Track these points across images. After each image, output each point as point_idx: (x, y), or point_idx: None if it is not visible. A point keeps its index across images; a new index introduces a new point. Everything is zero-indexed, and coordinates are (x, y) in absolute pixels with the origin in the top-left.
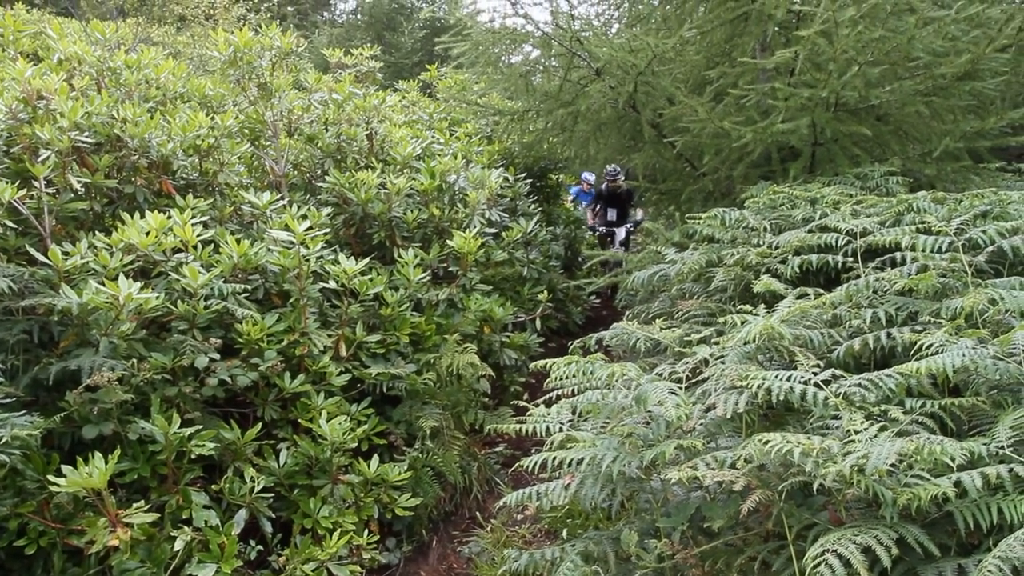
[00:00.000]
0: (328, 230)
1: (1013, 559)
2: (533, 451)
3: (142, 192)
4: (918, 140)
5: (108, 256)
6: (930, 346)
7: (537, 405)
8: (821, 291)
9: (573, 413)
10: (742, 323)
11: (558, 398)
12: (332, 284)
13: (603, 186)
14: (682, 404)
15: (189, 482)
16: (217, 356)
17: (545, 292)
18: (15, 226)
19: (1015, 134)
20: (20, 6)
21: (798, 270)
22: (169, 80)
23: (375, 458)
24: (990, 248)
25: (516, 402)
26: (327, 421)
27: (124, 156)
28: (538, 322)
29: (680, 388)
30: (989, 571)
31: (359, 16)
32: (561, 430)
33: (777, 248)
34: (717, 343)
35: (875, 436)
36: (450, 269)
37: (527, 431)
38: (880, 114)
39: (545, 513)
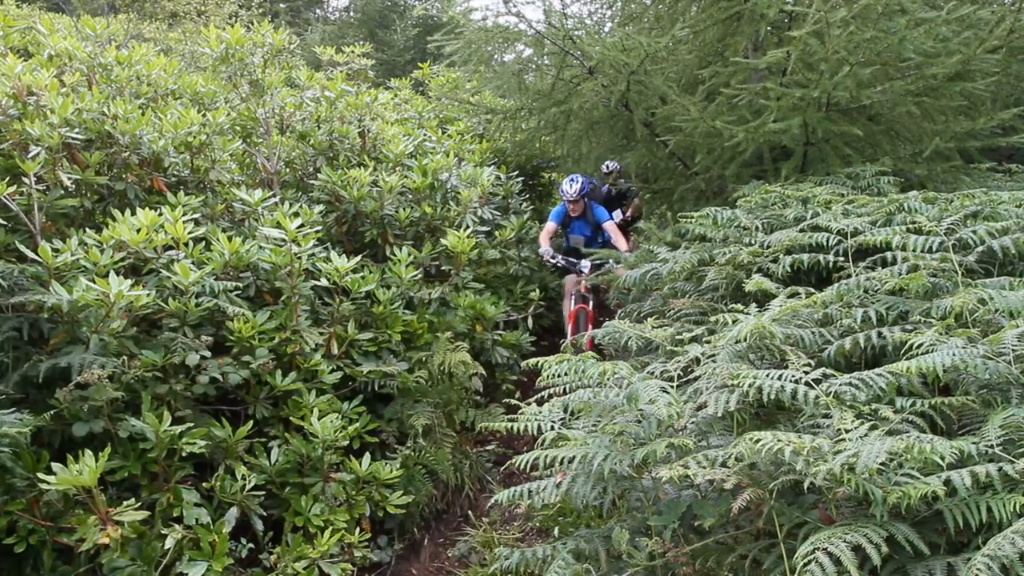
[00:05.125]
0: (320, 228)
1: (1001, 557)
2: (525, 449)
3: (133, 189)
4: (909, 140)
5: (99, 253)
6: (920, 345)
7: (529, 403)
8: (812, 290)
9: (565, 411)
10: (734, 322)
11: (550, 396)
12: (324, 282)
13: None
14: (673, 403)
15: (180, 480)
16: (208, 354)
17: (537, 290)
18: (5, 223)
19: (1005, 135)
20: (10, 1)
21: (789, 269)
22: (160, 77)
23: (367, 456)
24: (980, 248)
25: (508, 400)
26: (319, 419)
27: (115, 153)
28: (530, 320)
29: (671, 387)
30: (978, 569)
31: (352, 13)
32: (553, 428)
33: (769, 247)
34: (708, 342)
35: (865, 435)
36: (442, 267)
37: (519, 429)
38: (871, 114)
39: (537, 511)
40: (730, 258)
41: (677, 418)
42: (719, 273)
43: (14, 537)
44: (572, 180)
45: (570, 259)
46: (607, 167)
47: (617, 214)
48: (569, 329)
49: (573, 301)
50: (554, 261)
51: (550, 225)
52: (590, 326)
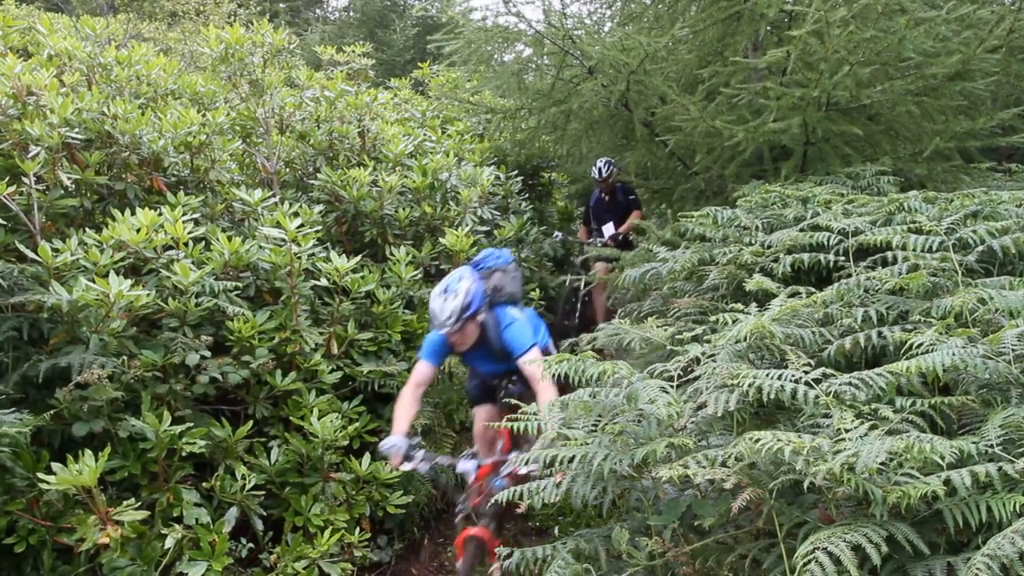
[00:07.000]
0: (320, 227)
1: (1001, 557)
2: (524, 448)
3: (133, 189)
4: (909, 140)
5: (98, 253)
6: (920, 345)
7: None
8: (813, 290)
9: (564, 410)
10: (734, 322)
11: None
12: (324, 282)
13: None
14: (673, 403)
15: (180, 480)
16: (208, 353)
17: (537, 290)
18: (4, 223)
19: (1005, 134)
20: (9, 1)
21: (790, 269)
22: (160, 76)
23: (367, 456)
24: (980, 248)
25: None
26: (318, 419)
27: (115, 153)
28: None
29: (671, 386)
30: (978, 569)
31: (351, 13)
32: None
33: (769, 247)
34: (708, 341)
35: (865, 434)
36: (442, 267)
37: (518, 429)
38: (871, 114)
39: (536, 511)
40: (731, 258)
41: (677, 418)
42: (720, 273)
43: (14, 537)
44: (448, 292)
45: (437, 457)
46: (599, 172)
47: (609, 228)
48: (459, 565)
49: (462, 519)
50: (408, 467)
51: (419, 372)
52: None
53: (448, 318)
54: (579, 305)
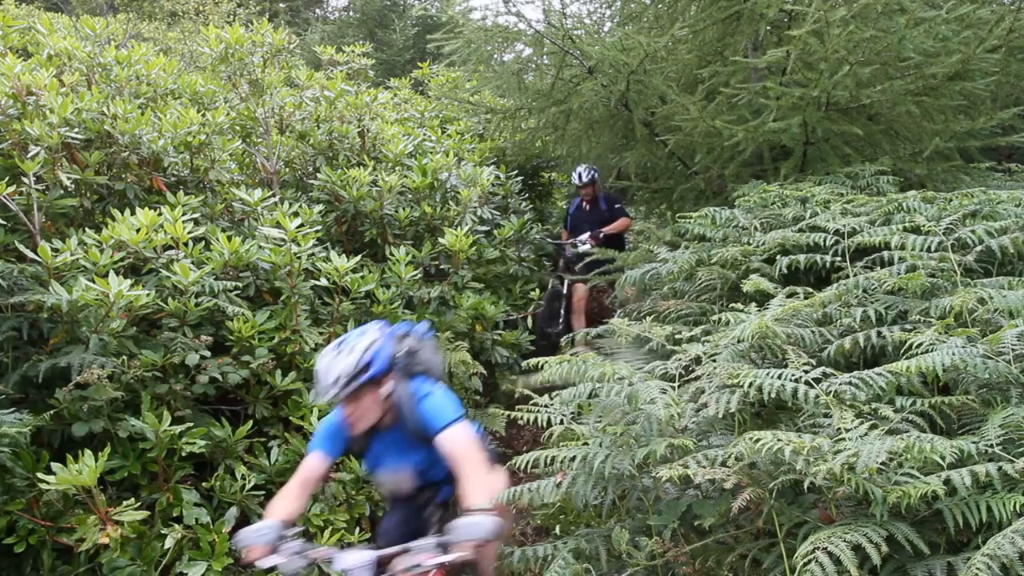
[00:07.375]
0: (320, 227)
1: (1001, 556)
2: (525, 449)
3: (133, 189)
4: (909, 140)
5: (98, 253)
6: (920, 345)
7: (534, 400)
8: (810, 290)
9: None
10: (736, 322)
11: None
12: (324, 281)
13: None
14: (672, 403)
15: (180, 480)
16: (208, 353)
17: (537, 290)
18: (4, 222)
19: (1005, 134)
20: (9, 1)
21: (786, 269)
22: (160, 76)
23: None
24: (979, 248)
25: (509, 385)
26: (318, 418)
27: (115, 152)
28: (530, 320)
29: (672, 387)
30: (978, 569)
31: (351, 13)
32: (563, 423)
33: (764, 246)
34: (707, 342)
35: (865, 434)
36: (442, 267)
37: (519, 428)
38: (871, 114)
39: (537, 510)
40: (719, 259)
41: (678, 418)
42: (709, 273)
43: (14, 537)
44: (342, 346)
45: (315, 549)
46: (579, 177)
47: (584, 239)
48: None
49: None
50: (272, 562)
51: (308, 466)
52: None
53: (336, 379)
54: (562, 310)
